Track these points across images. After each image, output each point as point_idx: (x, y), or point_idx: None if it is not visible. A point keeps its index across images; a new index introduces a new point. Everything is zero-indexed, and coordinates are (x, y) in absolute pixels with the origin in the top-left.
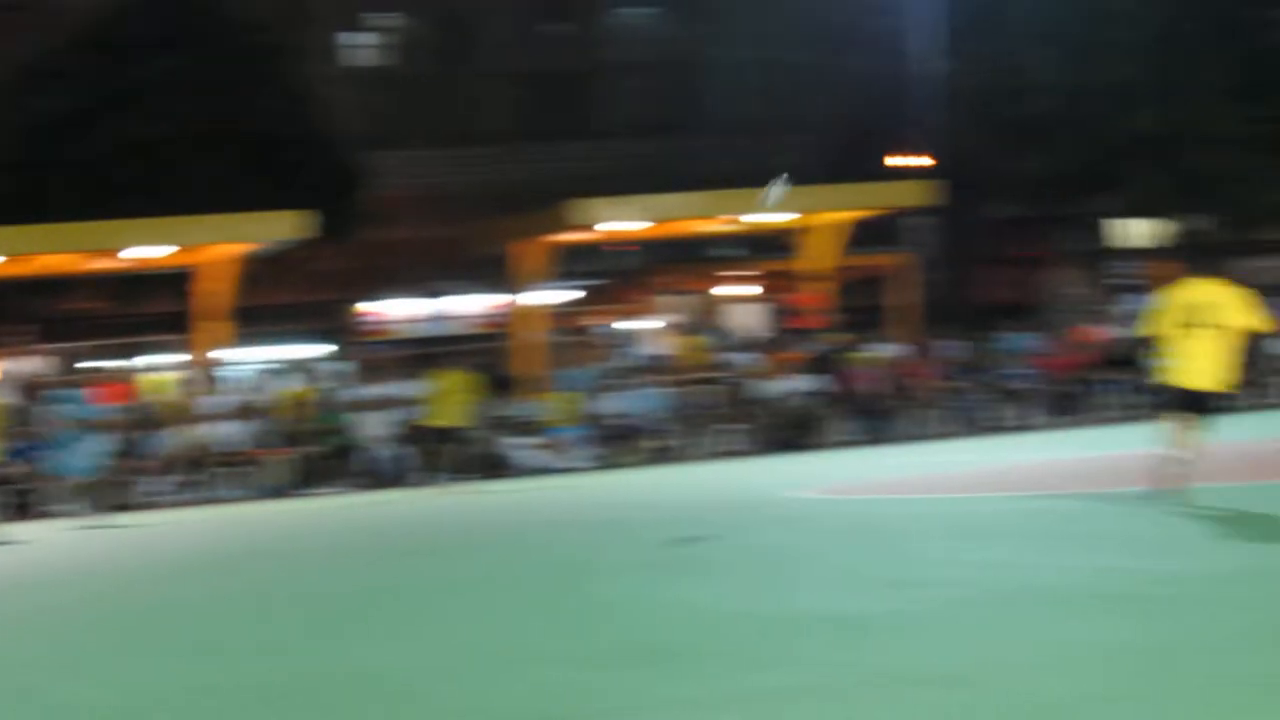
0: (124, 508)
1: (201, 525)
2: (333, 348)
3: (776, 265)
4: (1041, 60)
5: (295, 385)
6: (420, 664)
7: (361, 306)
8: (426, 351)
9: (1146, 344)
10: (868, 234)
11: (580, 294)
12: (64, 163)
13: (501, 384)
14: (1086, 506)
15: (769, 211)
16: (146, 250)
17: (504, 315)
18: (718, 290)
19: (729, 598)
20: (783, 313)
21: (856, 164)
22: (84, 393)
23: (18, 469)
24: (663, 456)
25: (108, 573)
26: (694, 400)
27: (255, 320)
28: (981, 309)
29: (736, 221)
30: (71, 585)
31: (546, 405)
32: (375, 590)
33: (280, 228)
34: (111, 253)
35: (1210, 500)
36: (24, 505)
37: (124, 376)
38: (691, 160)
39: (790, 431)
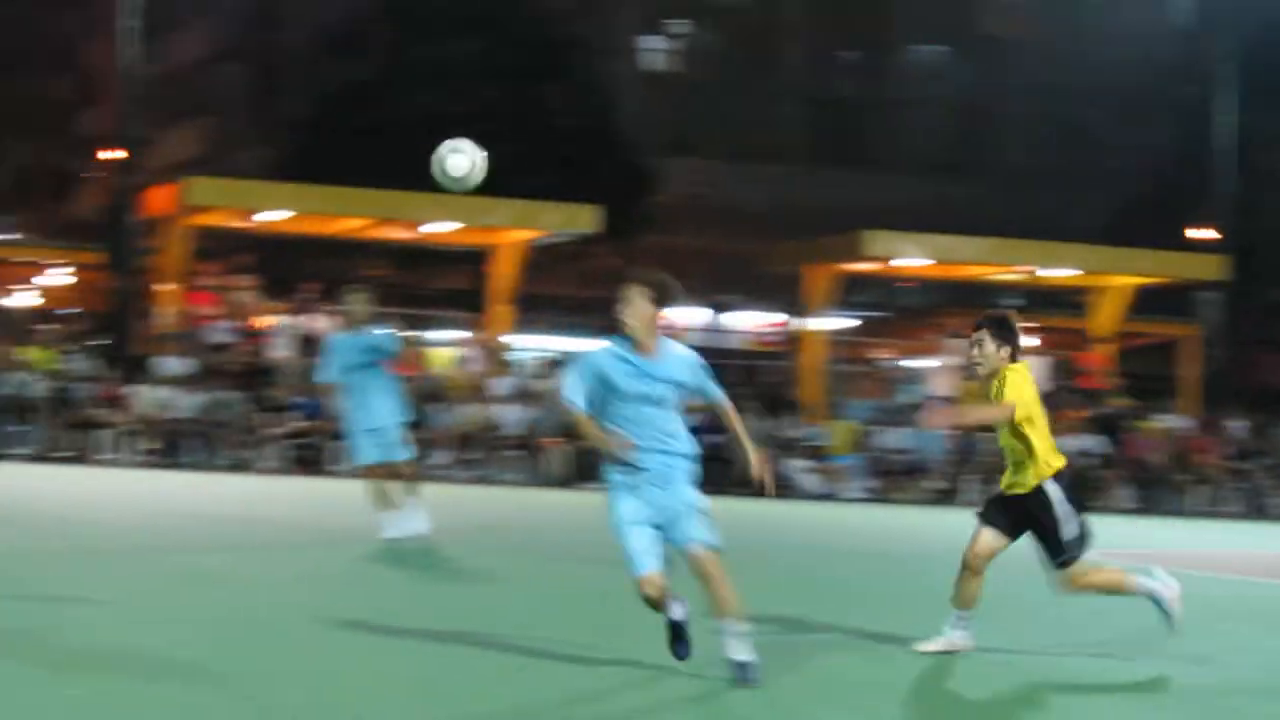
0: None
1: (480, 503)
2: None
3: (1056, 321)
4: None
5: None
6: None
7: None
8: (705, 363)
9: None
10: (1151, 302)
11: (860, 324)
12: (358, 129)
13: (782, 405)
14: None
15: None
16: (440, 225)
17: (784, 336)
18: None
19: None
20: (1065, 370)
21: (1146, 229)
22: None
23: (305, 424)
24: (941, 498)
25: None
26: (973, 446)
27: (533, 308)
28: (1262, 391)
29: (1023, 271)
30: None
31: (827, 431)
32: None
33: (570, 220)
34: (408, 223)
35: None
36: (302, 460)
37: (411, 347)
38: (975, 205)
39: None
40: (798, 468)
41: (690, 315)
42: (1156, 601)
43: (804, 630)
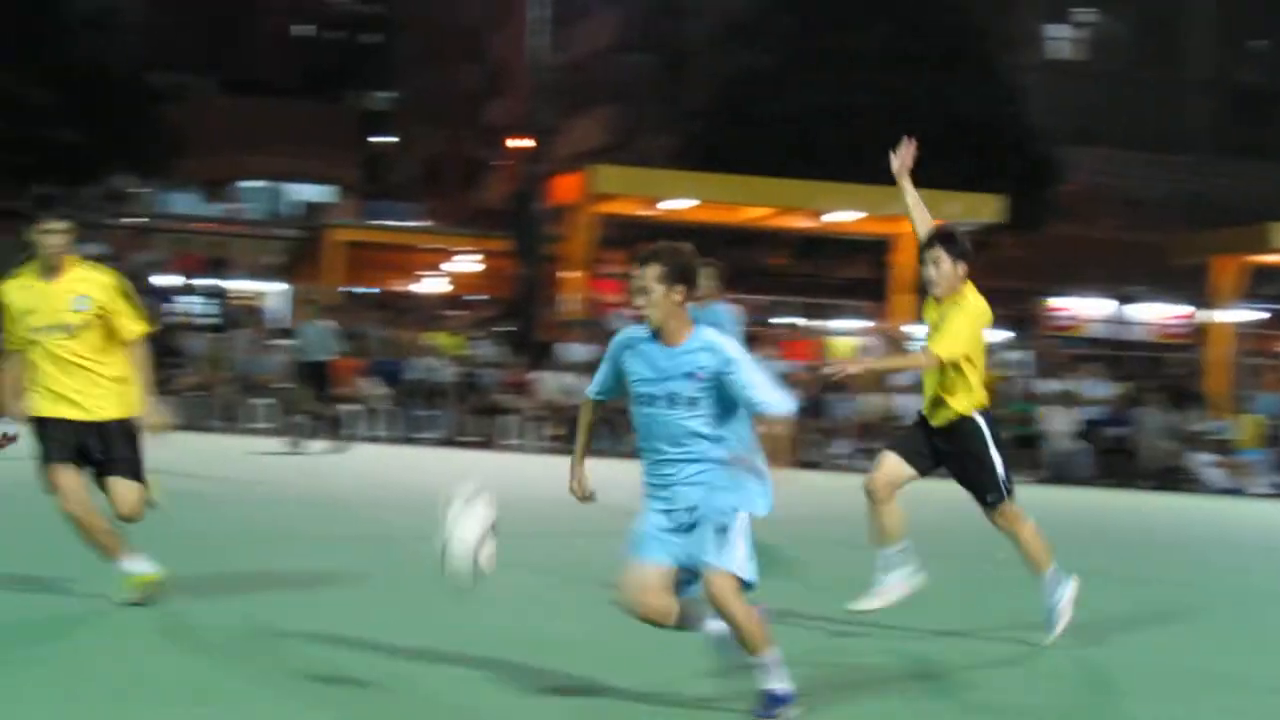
0: (811, 465)
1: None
2: (1011, 336)
3: None
4: None
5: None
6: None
7: (1050, 300)
8: (1108, 354)
9: None
10: None
11: (1269, 317)
12: (763, 118)
13: (1187, 398)
14: None
15: None
16: (842, 214)
17: (1189, 328)
18: None
19: None
20: None
21: None
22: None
23: None
24: None
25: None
26: None
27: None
28: None
29: None
30: None
31: (1233, 425)
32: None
33: (974, 209)
34: (809, 213)
35: None
36: None
37: (810, 336)
38: None
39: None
40: (1203, 461)
41: (1094, 306)
42: (1051, 599)
43: (1192, 624)
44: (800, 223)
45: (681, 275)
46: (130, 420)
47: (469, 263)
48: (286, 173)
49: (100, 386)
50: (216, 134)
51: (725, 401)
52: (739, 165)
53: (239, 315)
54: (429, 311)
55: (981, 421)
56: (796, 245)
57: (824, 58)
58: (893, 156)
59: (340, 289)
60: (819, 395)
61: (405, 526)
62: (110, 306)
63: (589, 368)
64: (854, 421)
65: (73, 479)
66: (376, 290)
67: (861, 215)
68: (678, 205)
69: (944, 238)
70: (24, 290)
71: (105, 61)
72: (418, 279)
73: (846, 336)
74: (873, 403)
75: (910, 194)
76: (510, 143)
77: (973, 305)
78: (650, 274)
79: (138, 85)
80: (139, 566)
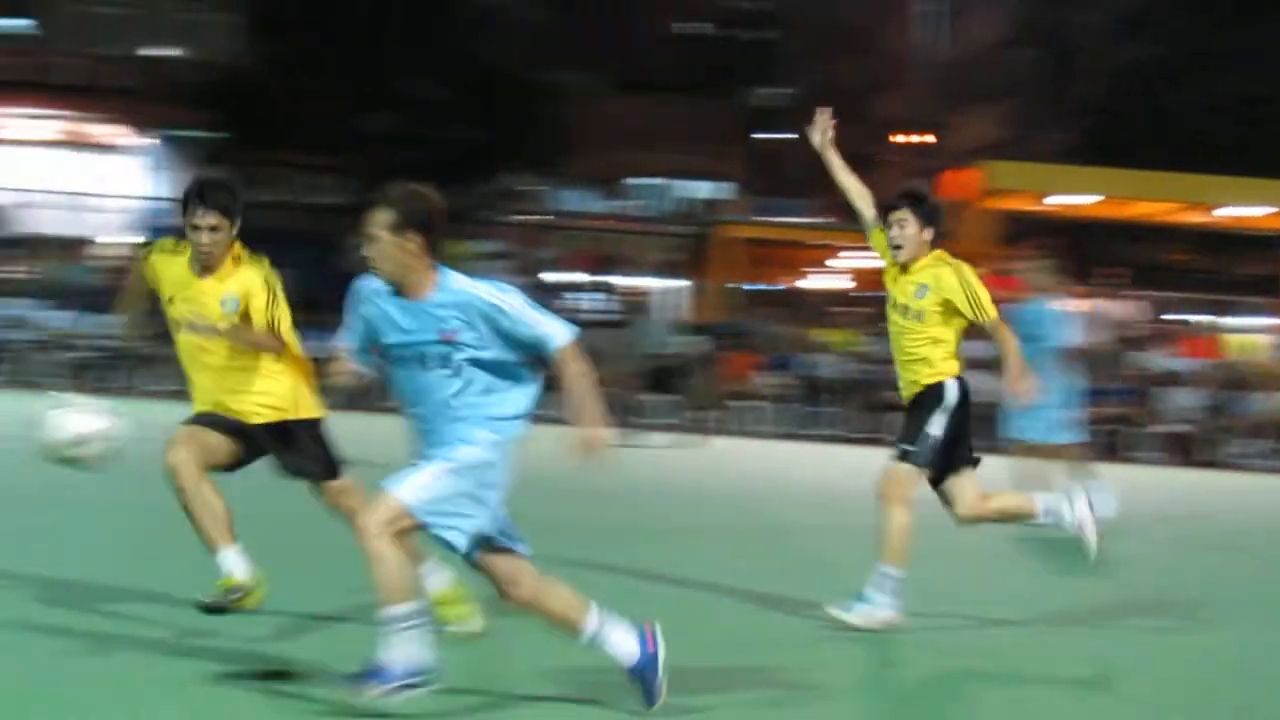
0: (1211, 465)
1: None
2: None
3: None
4: None
5: None
6: None
7: None
8: None
9: None
10: None
11: None
12: (1154, 112)
13: None
14: None
15: None
16: (1242, 209)
17: None
18: None
19: None
20: None
21: None
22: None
23: (1110, 410)
24: None
25: None
26: None
27: None
28: None
29: None
30: None
31: None
32: None
33: None
34: (1205, 207)
35: None
36: (1112, 447)
37: (1211, 333)
38: None
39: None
40: None
41: None
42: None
43: None
44: (1197, 218)
45: (415, 222)
46: (302, 420)
47: (865, 259)
48: (676, 170)
49: (252, 388)
50: (607, 131)
51: (507, 352)
52: (1134, 160)
53: (630, 311)
54: (817, 308)
55: (952, 386)
56: (1197, 240)
57: (1219, 50)
58: (810, 130)
59: (730, 285)
60: (1222, 394)
61: (795, 520)
62: (252, 302)
63: (984, 365)
64: (1260, 420)
65: (192, 444)
66: (780, 288)
67: (1265, 210)
68: (1072, 201)
69: (911, 198)
70: (173, 270)
71: (501, 61)
72: (809, 275)
73: (1247, 333)
74: (1277, 400)
75: (837, 165)
76: (899, 138)
77: (964, 265)
78: (378, 221)
79: (532, 84)
80: (233, 566)
